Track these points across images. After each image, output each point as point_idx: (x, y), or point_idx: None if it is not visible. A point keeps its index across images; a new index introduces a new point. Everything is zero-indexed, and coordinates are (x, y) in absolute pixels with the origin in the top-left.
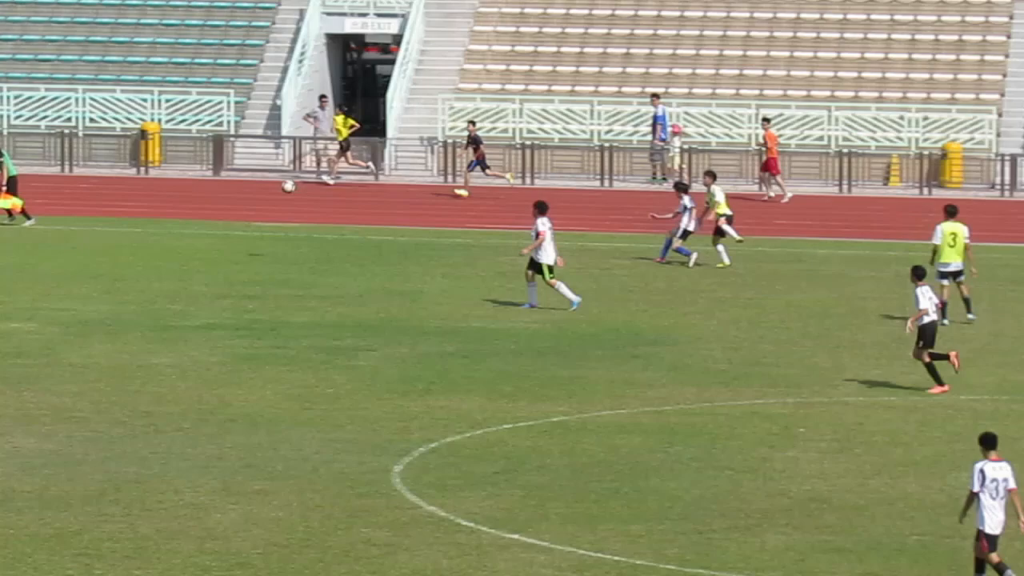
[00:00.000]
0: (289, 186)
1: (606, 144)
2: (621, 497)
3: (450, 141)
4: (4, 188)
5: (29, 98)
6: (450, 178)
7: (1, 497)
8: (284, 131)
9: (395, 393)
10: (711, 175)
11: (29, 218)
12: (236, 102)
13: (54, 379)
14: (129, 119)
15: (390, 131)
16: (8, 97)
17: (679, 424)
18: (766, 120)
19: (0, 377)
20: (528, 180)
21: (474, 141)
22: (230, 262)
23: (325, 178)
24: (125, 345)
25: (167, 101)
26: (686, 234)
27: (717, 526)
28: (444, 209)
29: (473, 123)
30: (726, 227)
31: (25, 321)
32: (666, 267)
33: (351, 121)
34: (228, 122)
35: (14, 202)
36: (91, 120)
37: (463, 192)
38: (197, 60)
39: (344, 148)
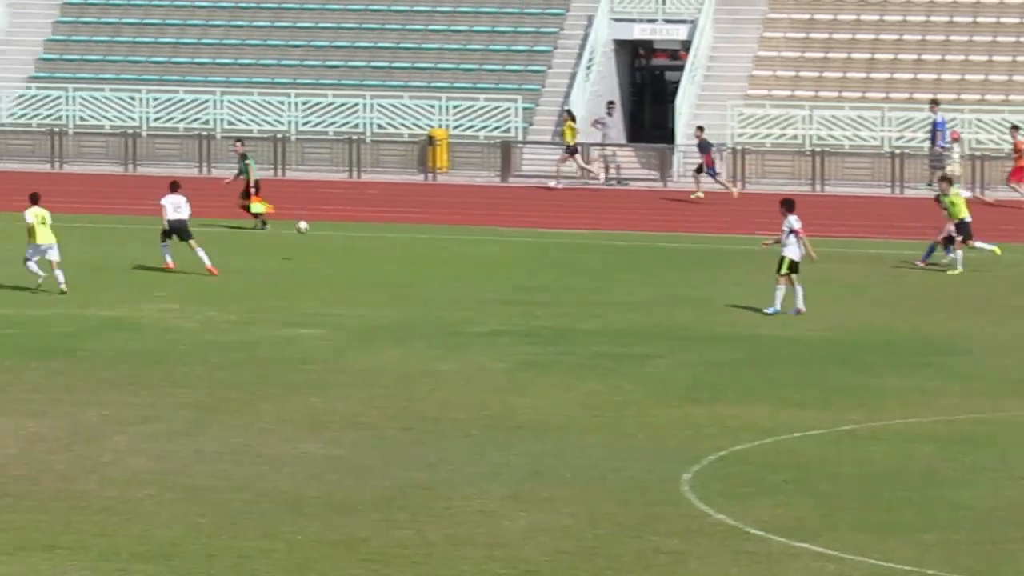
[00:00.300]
0: (303, 226)
1: (897, 151)
2: (913, 506)
3: (739, 147)
4: (255, 191)
5: (317, 104)
6: (739, 184)
7: (289, 503)
8: None
9: (684, 400)
10: (947, 180)
11: (265, 225)
12: (524, 108)
13: (342, 385)
14: (416, 125)
15: (679, 137)
16: (296, 103)
17: (972, 433)
18: (1015, 128)
19: (288, 383)
20: (818, 187)
21: (703, 147)
22: (517, 268)
23: (551, 183)
24: (412, 351)
25: (455, 107)
26: (950, 240)
27: (1011, 536)
28: (733, 215)
29: (701, 128)
30: (951, 232)
31: (313, 327)
32: (957, 275)
33: (575, 127)
34: (516, 128)
35: (267, 205)
36: (378, 126)
37: (699, 195)
38: (485, 66)
39: (571, 152)
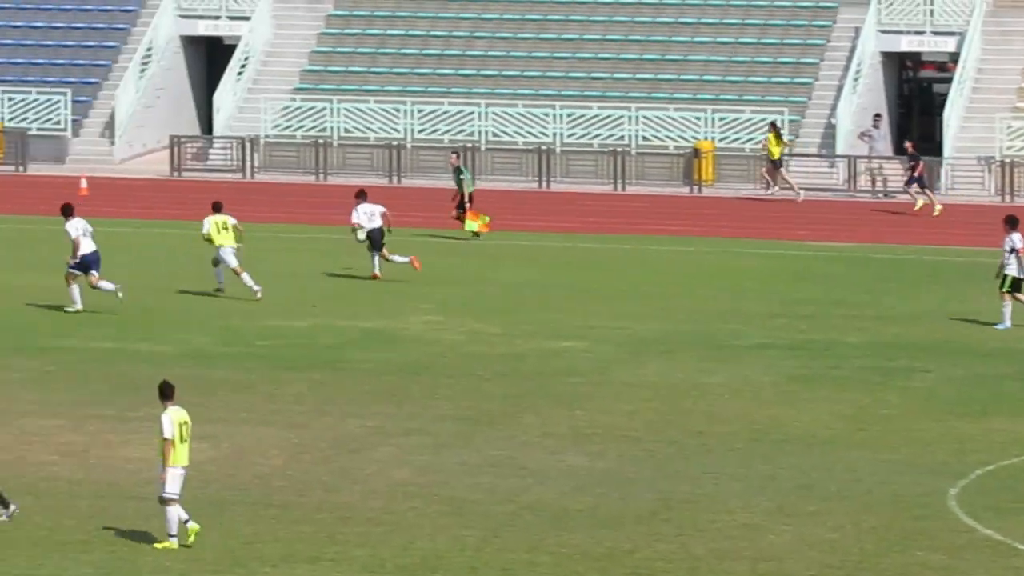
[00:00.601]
0: (361, 236)
1: None
2: None
3: (1007, 160)
4: (470, 205)
5: (582, 116)
6: (1007, 198)
7: (554, 516)
8: (839, 150)
9: (951, 415)
10: None
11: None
12: (791, 120)
13: (606, 398)
14: (682, 137)
15: (946, 150)
16: (561, 115)
17: None
18: None
19: (553, 395)
20: None
21: (913, 158)
22: (783, 281)
23: (794, 197)
24: (678, 364)
25: (720, 119)
26: None
27: None
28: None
29: (913, 143)
30: None
31: (578, 340)
32: None
33: (781, 141)
34: None
35: (483, 220)
36: (643, 138)
37: (938, 208)
38: (751, 78)
39: (777, 166)
